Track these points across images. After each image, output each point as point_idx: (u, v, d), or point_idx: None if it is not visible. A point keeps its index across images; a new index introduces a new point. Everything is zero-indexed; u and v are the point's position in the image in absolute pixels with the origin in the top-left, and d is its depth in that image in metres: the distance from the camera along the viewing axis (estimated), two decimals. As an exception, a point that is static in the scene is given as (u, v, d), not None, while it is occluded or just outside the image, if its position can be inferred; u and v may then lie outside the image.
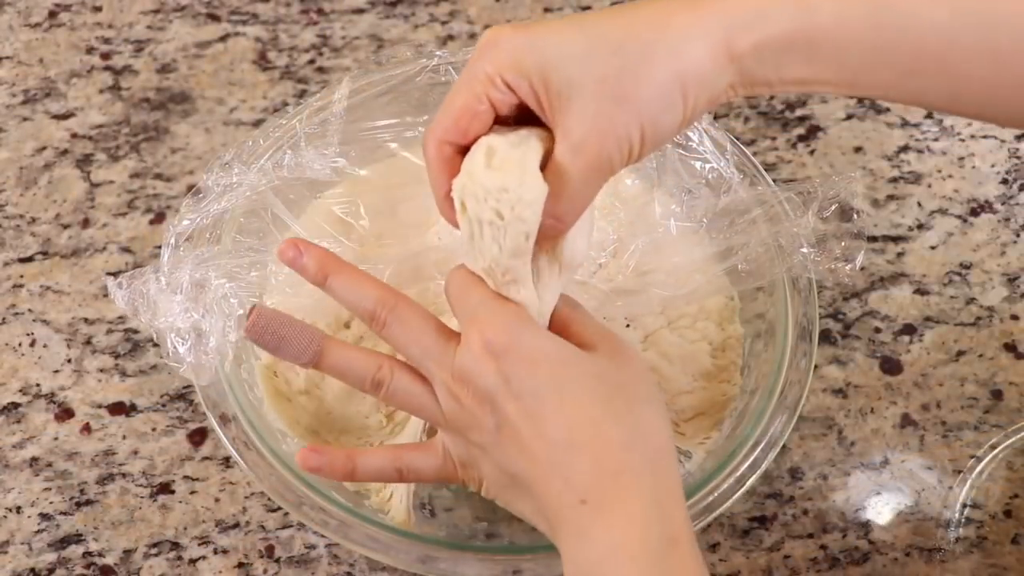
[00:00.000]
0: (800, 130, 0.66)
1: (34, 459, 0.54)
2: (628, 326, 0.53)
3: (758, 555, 0.52)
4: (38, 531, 0.52)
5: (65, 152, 0.65)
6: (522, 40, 0.37)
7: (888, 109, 0.66)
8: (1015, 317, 0.59)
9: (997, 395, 0.56)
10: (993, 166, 0.64)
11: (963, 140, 0.65)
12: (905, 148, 0.65)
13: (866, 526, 0.52)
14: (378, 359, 0.43)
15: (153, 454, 0.54)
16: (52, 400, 0.56)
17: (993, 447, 0.54)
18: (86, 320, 0.58)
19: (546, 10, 0.71)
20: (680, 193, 0.54)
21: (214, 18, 0.71)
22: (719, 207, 0.52)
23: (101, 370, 0.57)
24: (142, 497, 0.53)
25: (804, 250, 0.49)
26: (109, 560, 0.52)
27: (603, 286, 0.53)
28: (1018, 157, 0.65)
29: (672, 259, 0.53)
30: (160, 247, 0.48)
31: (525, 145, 0.37)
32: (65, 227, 0.62)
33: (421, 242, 0.55)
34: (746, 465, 0.46)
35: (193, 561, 0.51)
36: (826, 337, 0.57)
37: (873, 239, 0.61)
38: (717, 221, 0.53)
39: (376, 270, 0.51)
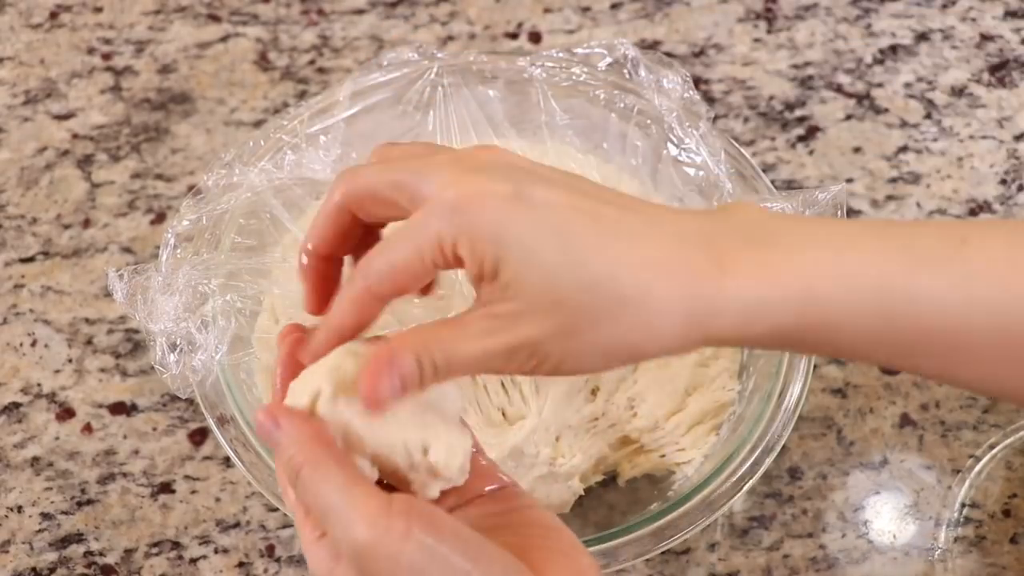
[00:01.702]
0: (799, 130, 0.66)
1: (35, 459, 0.54)
2: None
3: (757, 554, 0.52)
4: (39, 530, 0.52)
5: (66, 152, 0.65)
6: (491, 221, 0.33)
7: (887, 110, 0.66)
8: (1014, 317, 0.59)
9: (996, 395, 0.56)
10: (992, 166, 0.64)
11: (962, 141, 0.65)
12: (904, 148, 0.65)
13: (865, 525, 0.53)
14: None
15: (154, 454, 0.54)
16: (53, 400, 0.56)
17: (992, 447, 0.55)
18: (87, 320, 0.59)
19: (546, 10, 0.71)
20: (673, 201, 0.54)
21: (215, 19, 0.71)
22: None
23: (102, 370, 0.57)
24: (143, 497, 0.53)
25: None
26: (110, 559, 0.52)
27: None
28: (1016, 158, 0.65)
29: None
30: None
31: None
32: (66, 227, 0.62)
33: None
34: (746, 467, 0.46)
35: (194, 560, 0.52)
36: (825, 337, 0.58)
37: (872, 239, 0.61)
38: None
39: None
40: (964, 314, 0.33)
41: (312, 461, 0.32)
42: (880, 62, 0.69)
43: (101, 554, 0.52)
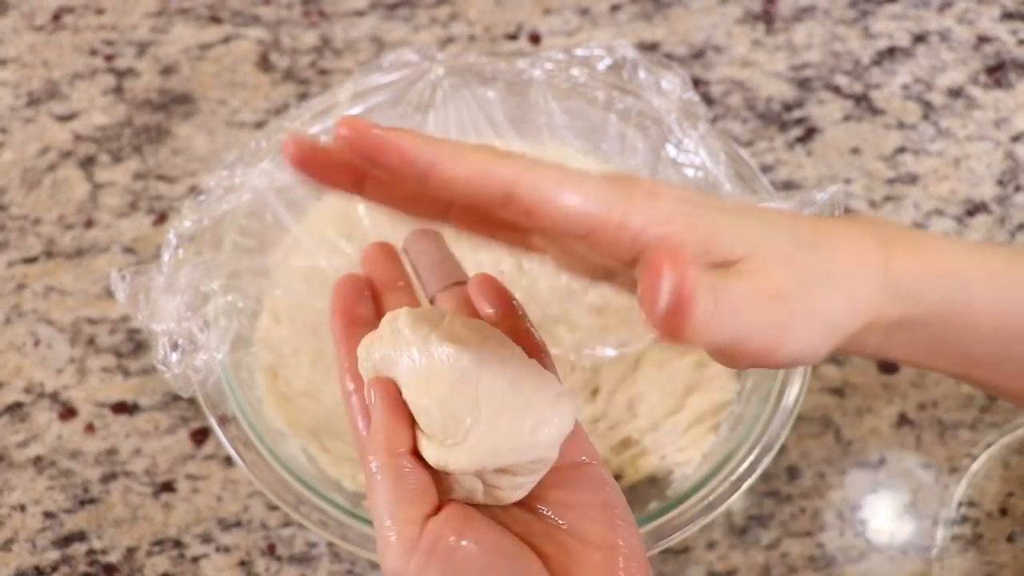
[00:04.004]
0: (798, 131, 0.66)
1: (38, 458, 0.55)
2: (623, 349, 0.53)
3: (756, 553, 0.52)
4: (42, 529, 0.53)
5: (68, 153, 0.65)
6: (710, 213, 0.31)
7: (885, 111, 0.67)
8: (1011, 317, 0.59)
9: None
10: (989, 167, 0.65)
11: (959, 142, 0.65)
12: (902, 149, 0.65)
13: (863, 524, 0.53)
14: None
15: (155, 453, 0.55)
16: (56, 399, 0.56)
17: (989, 446, 0.55)
18: (89, 320, 0.59)
19: (546, 12, 0.71)
20: None
21: (216, 20, 0.71)
22: None
23: (104, 370, 0.57)
24: (145, 496, 0.53)
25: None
26: (112, 558, 0.52)
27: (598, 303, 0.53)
28: (1013, 159, 0.65)
29: None
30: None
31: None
32: (68, 228, 0.62)
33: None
34: (744, 466, 0.47)
35: (195, 559, 0.52)
36: (823, 337, 0.58)
37: (870, 240, 0.62)
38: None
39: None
40: None
41: (378, 464, 0.33)
42: (878, 63, 0.69)
43: (103, 552, 0.52)
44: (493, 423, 0.33)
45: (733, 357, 0.31)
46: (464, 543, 0.32)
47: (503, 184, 0.29)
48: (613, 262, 0.31)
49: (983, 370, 0.35)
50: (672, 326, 0.28)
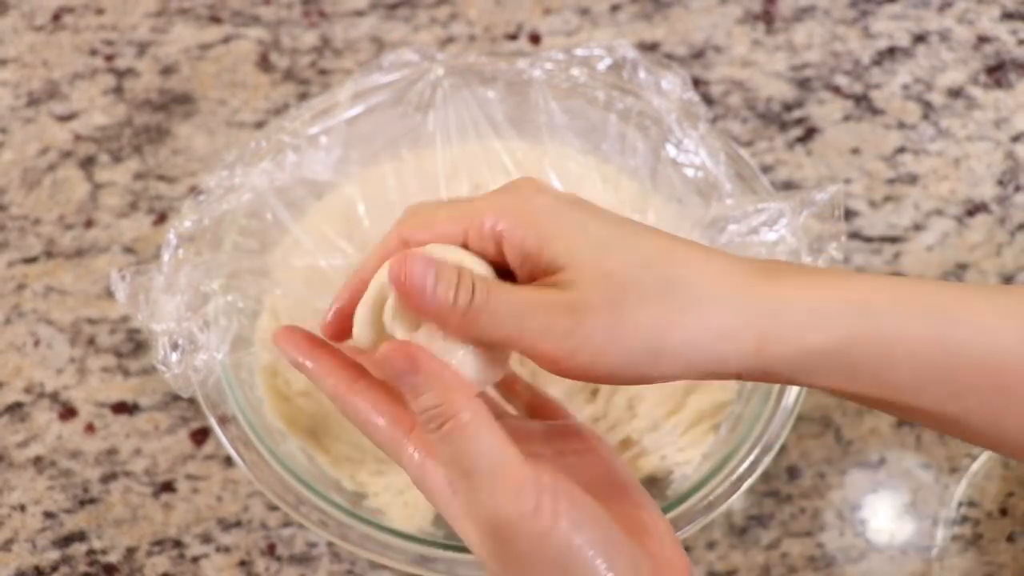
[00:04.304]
0: (798, 131, 0.66)
1: (38, 458, 0.55)
2: None
3: (756, 553, 0.52)
4: (42, 529, 0.53)
5: (68, 153, 0.65)
6: (543, 204, 0.34)
7: (885, 111, 0.67)
8: (1011, 317, 0.59)
9: (993, 395, 0.56)
10: (989, 167, 0.65)
11: (959, 142, 0.65)
12: (902, 149, 0.65)
13: (863, 524, 0.53)
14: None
15: (156, 453, 0.55)
16: (56, 399, 0.56)
17: (989, 446, 0.55)
18: (89, 320, 0.59)
19: (546, 12, 0.71)
20: (671, 202, 0.54)
21: (216, 20, 0.71)
22: (708, 218, 0.52)
23: (104, 370, 0.57)
24: (145, 496, 0.54)
25: (805, 259, 0.49)
26: (112, 558, 0.52)
27: None
28: (1013, 159, 0.65)
29: None
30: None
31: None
32: (68, 228, 0.62)
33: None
34: (745, 466, 0.47)
35: (195, 559, 0.52)
36: (823, 337, 0.58)
37: (870, 240, 0.62)
38: (708, 231, 0.53)
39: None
40: (1015, 344, 0.32)
41: (460, 417, 0.32)
42: (878, 63, 0.69)
43: (103, 552, 0.52)
44: None
45: (535, 358, 0.33)
46: (575, 490, 0.32)
47: (396, 240, 0.37)
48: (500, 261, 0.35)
49: (907, 396, 0.33)
50: (416, 302, 0.33)
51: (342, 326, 0.37)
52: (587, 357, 0.32)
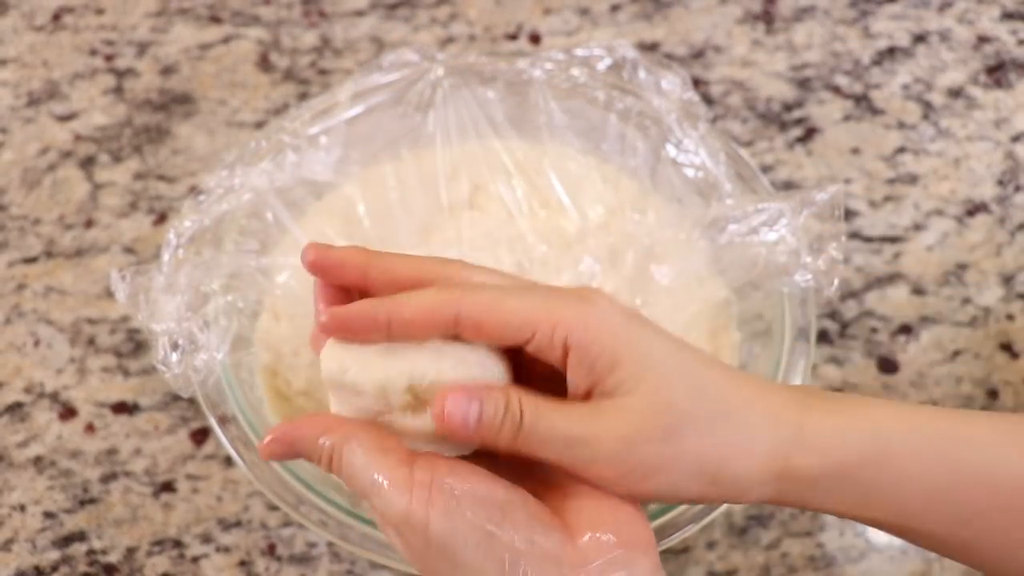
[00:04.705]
0: (798, 131, 0.66)
1: (38, 458, 0.55)
2: None
3: (756, 553, 0.52)
4: (42, 529, 0.53)
5: (68, 153, 0.65)
6: (615, 321, 0.34)
7: (885, 111, 0.67)
8: (1010, 317, 0.59)
9: (993, 394, 0.56)
10: (989, 167, 0.65)
11: (959, 142, 0.65)
12: (902, 149, 0.65)
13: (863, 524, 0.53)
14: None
15: (156, 453, 0.55)
16: (56, 399, 0.56)
17: (989, 446, 0.55)
18: (89, 320, 0.59)
19: (546, 12, 0.71)
20: (672, 202, 0.54)
21: (216, 20, 0.71)
22: (708, 218, 0.52)
23: (104, 370, 0.57)
24: (145, 496, 0.54)
25: (805, 259, 0.49)
26: (112, 558, 0.52)
27: None
28: (1013, 158, 0.65)
29: (661, 269, 0.53)
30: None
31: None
32: (68, 228, 0.62)
33: (424, 245, 0.55)
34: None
35: (195, 559, 0.52)
36: (824, 337, 0.58)
37: (870, 240, 0.62)
38: (708, 231, 0.53)
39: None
40: (1019, 467, 0.34)
41: (331, 448, 0.34)
42: (878, 63, 0.69)
43: (103, 552, 0.52)
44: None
45: (581, 479, 0.34)
46: (459, 471, 0.33)
47: (451, 312, 0.34)
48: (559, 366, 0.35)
49: (917, 521, 0.35)
50: (461, 438, 0.34)
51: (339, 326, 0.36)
52: (635, 481, 0.34)
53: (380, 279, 0.36)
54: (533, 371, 0.36)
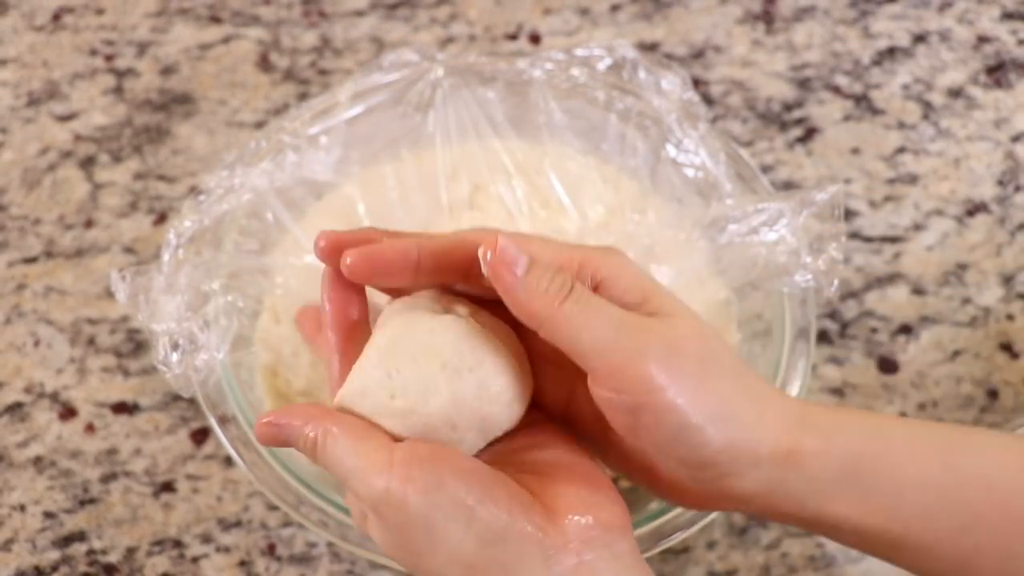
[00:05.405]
0: (798, 131, 0.66)
1: (38, 458, 0.55)
2: None
3: (756, 553, 0.52)
4: (42, 529, 0.53)
5: (68, 153, 0.65)
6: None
7: (885, 111, 0.67)
8: (1010, 317, 0.59)
9: (993, 395, 0.56)
10: (989, 167, 0.65)
11: (959, 142, 0.65)
12: (902, 150, 0.65)
13: (862, 524, 0.53)
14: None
15: (156, 453, 0.55)
16: (56, 399, 0.56)
17: (989, 446, 0.55)
18: (89, 320, 0.59)
19: (546, 12, 0.71)
20: (672, 202, 0.54)
21: (216, 20, 0.71)
22: (708, 218, 0.52)
23: (104, 370, 0.57)
24: (145, 496, 0.54)
25: (805, 259, 0.49)
26: (112, 558, 0.52)
27: None
28: (1013, 159, 0.65)
29: (661, 269, 0.53)
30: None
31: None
32: (68, 228, 0.62)
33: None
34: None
35: (195, 559, 0.52)
36: (824, 337, 0.58)
37: (870, 240, 0.62)
38: (708, 231, 0.53)
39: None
40: (1017, 472, 0.34)
41: (321, 434, 0.34)
42: (878, 63, 0.69)
43: (103, 553, 0.52)
44: (436, 405, 0.35)
45: (596, 378, 0.34)
46: (441, 452, 0.33)
47: (489, 239, 0.34)
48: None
49: (916, 529, 0.34)
50: (504, 284, 0.33)
51: (339, 250, 0.36)
52: (672, 395, 0.33)
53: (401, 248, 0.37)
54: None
